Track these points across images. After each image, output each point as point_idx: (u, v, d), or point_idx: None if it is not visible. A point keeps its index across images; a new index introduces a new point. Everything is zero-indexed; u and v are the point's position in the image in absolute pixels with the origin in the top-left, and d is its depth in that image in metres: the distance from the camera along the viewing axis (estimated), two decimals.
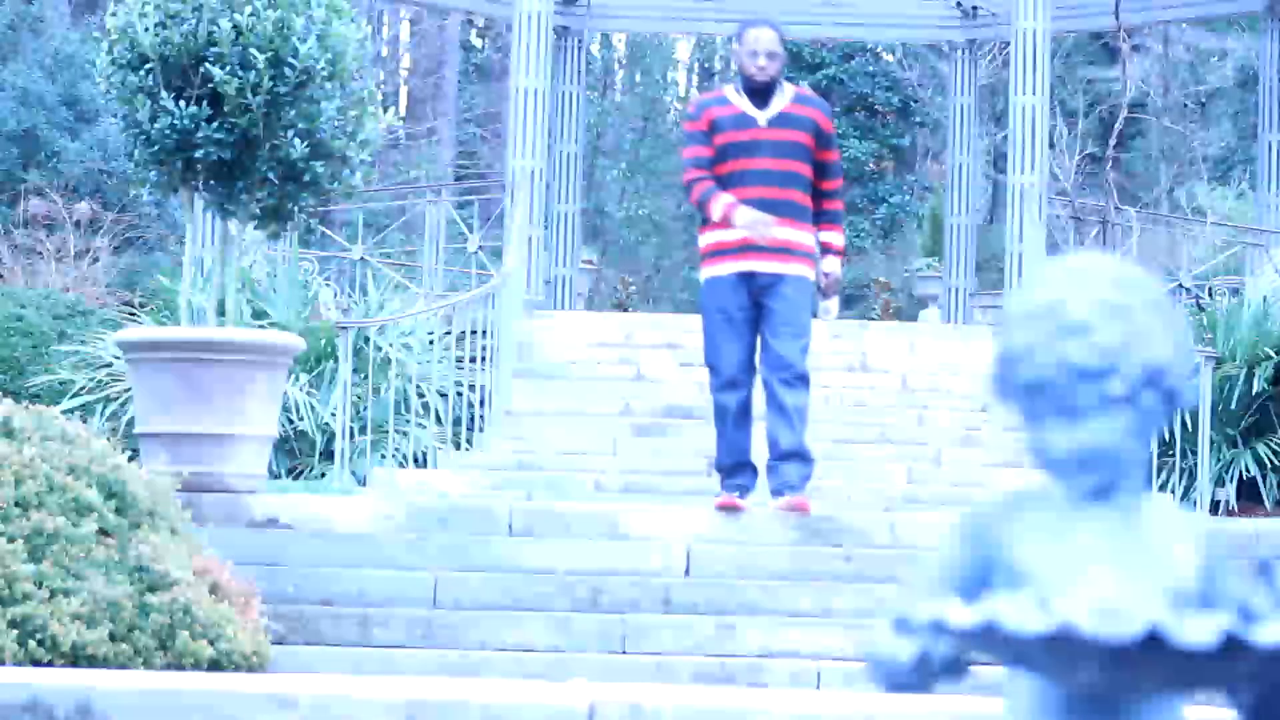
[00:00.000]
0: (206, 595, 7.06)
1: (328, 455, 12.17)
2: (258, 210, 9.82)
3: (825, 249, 8.84)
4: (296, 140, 9.51)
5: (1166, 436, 12.28)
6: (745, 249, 8.59)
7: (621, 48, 38.54)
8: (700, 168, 8.72)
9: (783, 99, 8.77)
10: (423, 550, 8.88)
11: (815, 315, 8.94)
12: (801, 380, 8.63)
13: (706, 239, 8.79)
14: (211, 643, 6.88)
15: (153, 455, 9.28)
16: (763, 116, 8.71)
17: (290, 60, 9.47)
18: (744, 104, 8.75)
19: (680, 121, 9.68)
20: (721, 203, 8.58)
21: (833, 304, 9.14)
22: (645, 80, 36.98)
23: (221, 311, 10.05)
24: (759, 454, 8.90)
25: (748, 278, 8.62)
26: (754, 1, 19.79)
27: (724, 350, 8.64)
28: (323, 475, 12.25)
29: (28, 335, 13.78)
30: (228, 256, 10.14)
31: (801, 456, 8.71)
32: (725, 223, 8.59)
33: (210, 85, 9.45)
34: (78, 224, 17.70)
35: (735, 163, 8.65)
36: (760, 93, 8.74)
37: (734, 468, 8.82)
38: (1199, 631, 1.91)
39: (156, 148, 9.54)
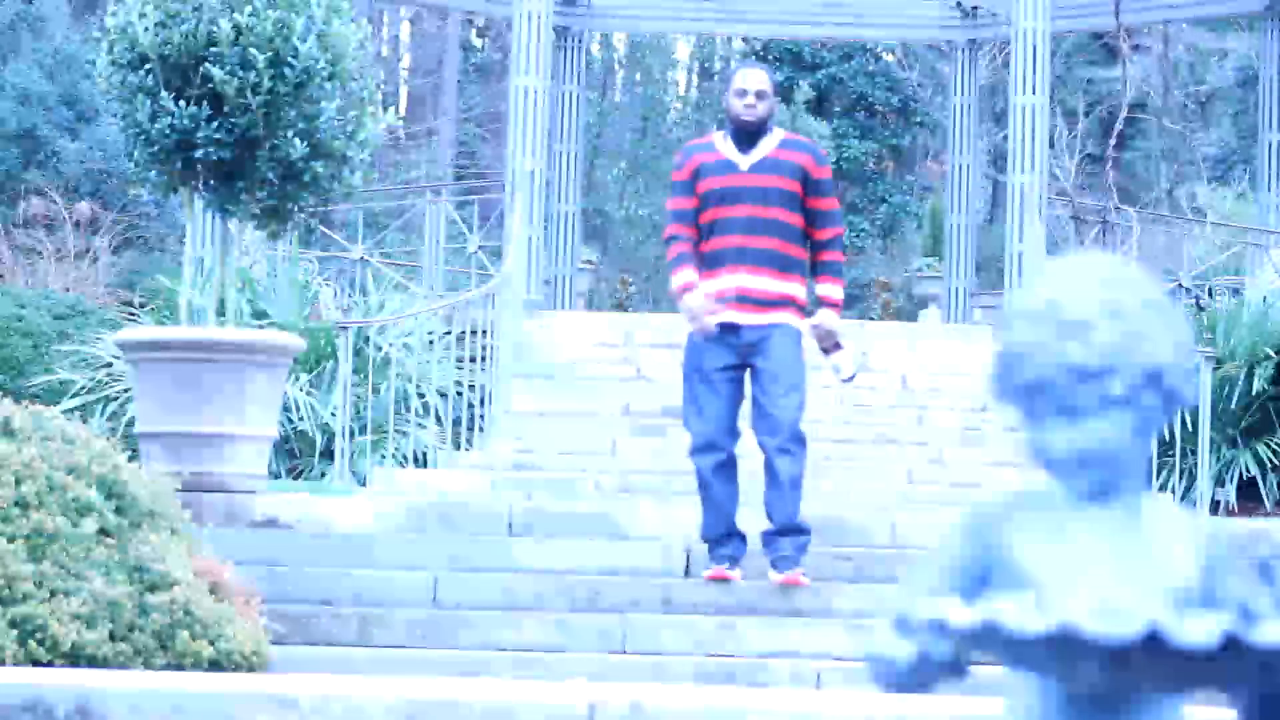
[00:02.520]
0: (206, 595, 7.06)
1: (328, 455, 12.17)
2: (258, 210, 9.82)
3: (821, 302, 8.27)
4: (296, 140, 9.51)
5: (1166, 436, 12.28)
6: (726, 300, 8.08)
7: (621, 48, 38.54)
8: (679, 222, 8.27)
9: (769, 144, 8.28)
10: (423, 550, 8.88)
11: (839, 371, 8.31)
12: (797, 443, 8.09)
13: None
14: (211, 643, 6.88)
15: (153, 455, 9.28)
16: (745, 162, 8.23)
17: (290, 60, 9.47)
18: (728, 149, 8.28)
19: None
20: (680, 280, 8.16)
21: (843, 360, 8.27)
22: (645, 80, 36.99)
23: (221, 311, 10.05)
24: (747, 509, 8.41)
25: (730, 332, 8.09)
26: (755, 2, 19.80)
27: (701, 413, 8.10)
28: (323, 475, 12.25)
29: (28, 335, 13.79)
30: (228, 256, 10.14)
31: (797, 529, 8.22)
32: (709, 273, 8.08)
33: (210, 85, 9.46)
34: (78, 224, 17.71)
35: (716, 210, 8.18)
36: (748, 137, 8.25)
37: (721, 539, 8.31)
38: (1199, 631, 1.91)
39: (156, 148, 9.55)
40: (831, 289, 8.24)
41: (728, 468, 8.14)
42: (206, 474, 9.26)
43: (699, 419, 8.09)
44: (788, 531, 8.22)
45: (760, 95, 8.24)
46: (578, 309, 18.66)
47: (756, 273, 8.11)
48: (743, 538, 8.33)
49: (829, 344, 8.23)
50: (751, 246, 8.13)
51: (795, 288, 8.20)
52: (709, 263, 8.17)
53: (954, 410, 13.52)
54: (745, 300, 8.10)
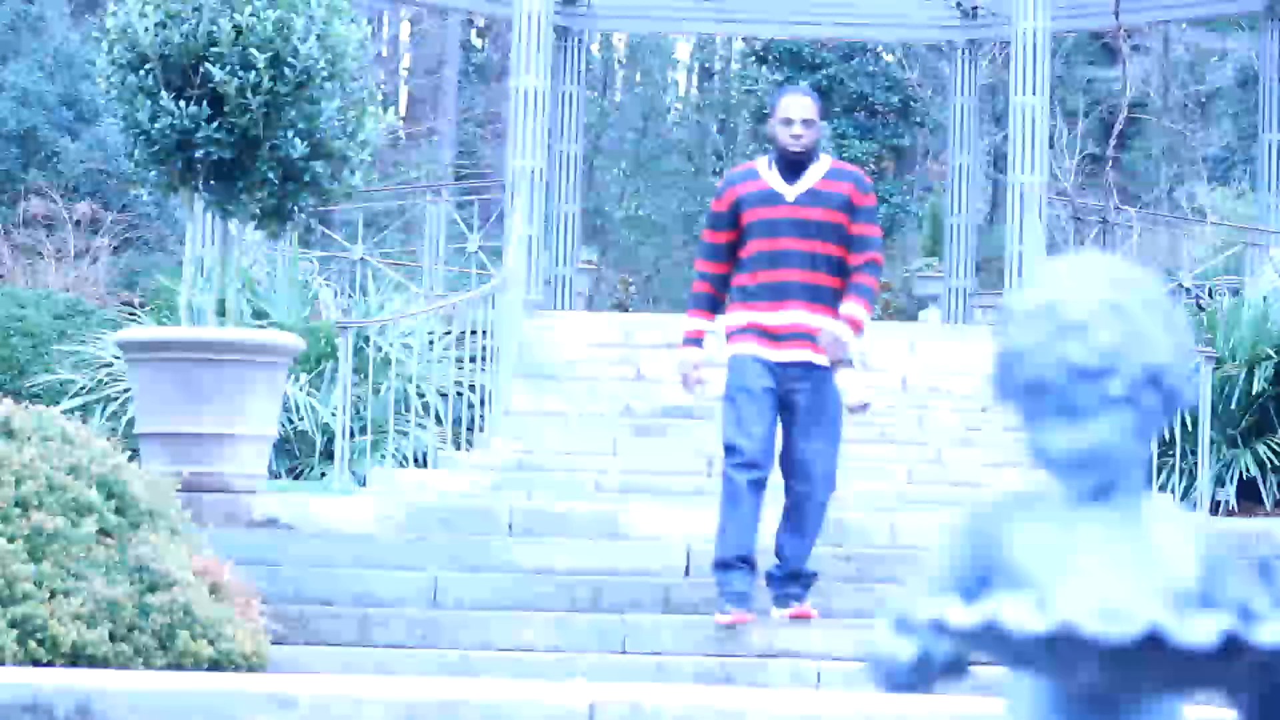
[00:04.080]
0: (206, 595, 7.06)
1: (328, 455, 12.16)
2: (258, 210, 9.82)
3: (840, 317, 7.90)
4: (296, 140, 9.51)
5: (1166, 436, 12.28)
6: (774, 336, 7.85)
7: (621, 48, 38.54)
8: (707, 258, 8.09)
9: (815, 173, 8.01)
10: (423, 550, 8.88)
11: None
12: (829, 490, 7.93)
13: (738, 317, 8.01)
14: (211, 643, 6.88)
15: (153, 455, 9.28)
16: (790, 192, 7.96)
17: (290, 60, 9.48)
18: (773, 179, 8.01)
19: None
20: (687, 326, 8.10)
21: (852, 385, 7.85)
22: (645, 80, 36.99)
23: (221, 311, 10.06)
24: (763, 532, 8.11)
25: (778, 366, 7.86)
26: (755, 2, 19.79)
27: (747, 430, 7.79)
28: (323, 475, 12.25)
29: (28, 335, 13.78)
30: (228, 256, 10.14)
31: (806, 574, 8.08)
32: (753, 305, 7.89)
33: (210, 85, 9.46)
34: (78, 224, 17.71)
35: (760, 243, 7.94)
36: (794, 166, 7.99)
37: (734, 565, 7.92)
38: (1199, 631, 1.91)
39: (156, 148, 9.55)
40: (854, 308, 7.88)
41: (761, 489, 7.85)
42: (206, 474, 9.26)
43: (745, 436, 7.78)
44: (797, 576, 8.05)
45: (807, 123, 7.99)
46: (578, 309, 18.66)
47: (805, 308, 7.85)
48: (753, 569, 7.99)
49: (836, 356, 7.86)
50: (801, 281, 7.87)
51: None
52: (752, 296, 7.93)
53: (954, 410, 13.52)
54: (791, 336, 7.85)
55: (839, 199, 7.96)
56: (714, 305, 8.11)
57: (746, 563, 7.92)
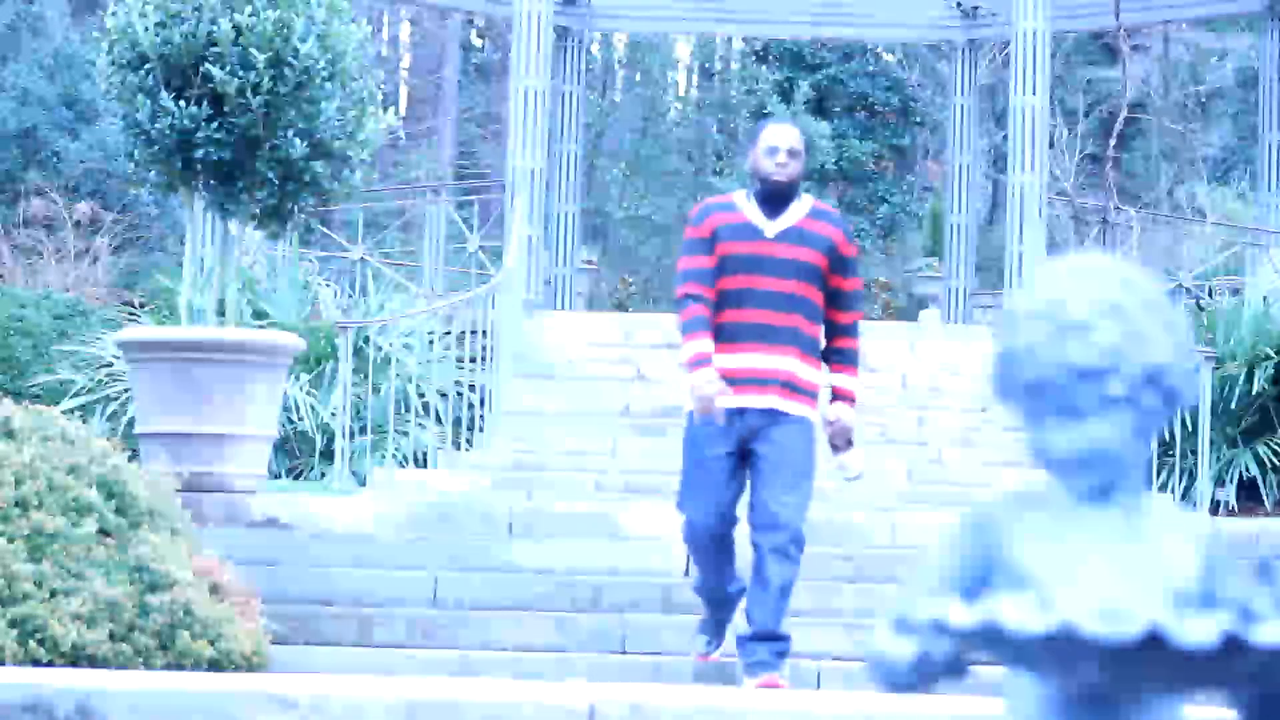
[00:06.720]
0: (206, 595, 7.06)
1: (328, 455, 12.16)
2: (258, 210, 9.83)
3: (835, 395, 7.52)
4: (296, 140, 9.51)
5: (1166, 436, 12.28)
6: (738, 381, 7.25)
7: (621, 48, 38.54)
8: (696, 283, 7.38)
9: (798, 210, 7.49)
10: (423, 550, 8.89)
11: (847, 471, 7.59)
12: (795, 546, 7.27)
13: None
14: (211, 643, 6.88)
15: (153, 455, 9.28)
16: (771, 229, 7.43)
17: (290, 60, 9.48)
18: (752, 212, 7.46)
19: (685, 226, 8.06)
20: (692, 349, 7.26)
21: (852, 459, 7.52)
22: (645, 80, 36.98)
23: (221, 311, 10.06)
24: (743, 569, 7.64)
25: (737, 415, 7.27)
26: (755, 2, 19.79)
27: (699, 498, 7.39)
28: (323, 475, 12.25)
29: (28, 335, 13.79)
30: (228, 256, 10.14)
31: (776, 637, 7.37)
32: (725, 348, 7.28)
33: (210, 85, 9.46)
34: (78, 224, 17.71)
35: (735, 279, 7.37)
36: (774, 201, 7.46)
37: (716, 597, 7.64)
38: (1199, 631, 1.91)
39: (156, 148, 9.55)
40: (849, 381, 7.56)
41: (722, 546, 7.47)
42: (206, 474, 9.27)
43: (695, 504, 7.42)
44: (766, 639, 7.36)
45: (793, 154, 7.47)
46: (578, 309, 18.65)
47: (777, 352, 7.35)
48: (739, 597, 7.65)
49: (841, 441, 7.51)
50: (774, 324, 7.37)
51: (814, 373, 7.47)
52: (726, 336, 7.34)
53: (954, 410, 13.52)
54: (757, 382, 7.32)
55: (824, 242, 7.47)
56: (708, 328, 7.38)
57: (728, 594, 7.65)
